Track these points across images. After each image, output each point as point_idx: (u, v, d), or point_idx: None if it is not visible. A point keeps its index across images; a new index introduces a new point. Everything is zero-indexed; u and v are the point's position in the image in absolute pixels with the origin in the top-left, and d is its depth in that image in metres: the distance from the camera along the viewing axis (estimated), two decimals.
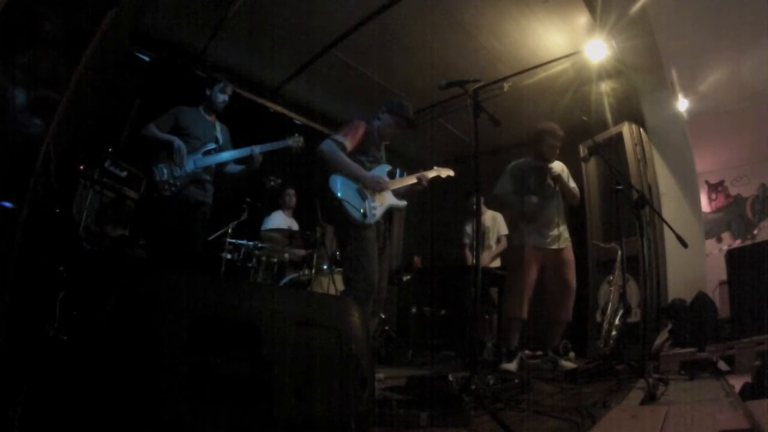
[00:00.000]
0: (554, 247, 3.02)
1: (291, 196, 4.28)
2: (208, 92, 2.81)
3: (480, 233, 2.01)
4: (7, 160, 1.46)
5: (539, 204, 3.03)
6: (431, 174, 2.76)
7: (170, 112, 2.69)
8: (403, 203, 2.60)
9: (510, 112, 3.53)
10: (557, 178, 3.04)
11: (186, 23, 3.67)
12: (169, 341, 0.94)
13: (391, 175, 2.63)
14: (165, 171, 2.52)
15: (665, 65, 3.78)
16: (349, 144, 2.43)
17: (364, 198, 2.39)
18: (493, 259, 4.13)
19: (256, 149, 2.73)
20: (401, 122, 2.60)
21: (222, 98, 2.81)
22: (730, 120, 4.60)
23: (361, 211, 2.33)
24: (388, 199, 2.51)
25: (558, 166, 3.18)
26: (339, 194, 2.33)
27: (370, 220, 2.35)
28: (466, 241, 4.43)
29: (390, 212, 2.56)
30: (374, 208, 2.41)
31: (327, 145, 2.39)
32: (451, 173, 2.87)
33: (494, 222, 4.23)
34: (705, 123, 4.50)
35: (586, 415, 1.49)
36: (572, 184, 3.18)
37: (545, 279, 3.07)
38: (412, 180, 2.64)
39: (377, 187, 2.45)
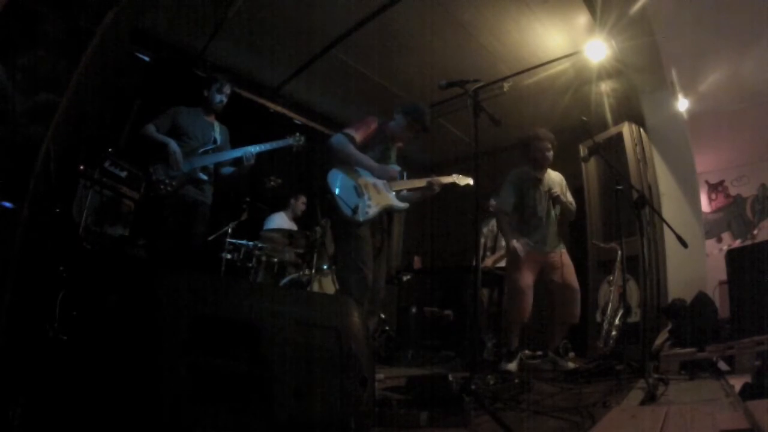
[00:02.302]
0: (550, 251, 3.04)
1: (300, 204, 4.26)
2: (205, 93, 2.80)
3: (481, 233, 2.01)
4: (7, 160, 1.46)
5: (536, 211, 3.07)
6: (447, 180, 2.70)
7: (168, 112, 2.69)
8: (404, 205, 2.55)
9: (510, 112, 3.54)
10: (557, 199, 3.08)
11: (186, 23, 3.66)
12: (169, 341, 0.94)
13: (402, 177, 2.60)
14: (161, 170, 2.52)
15: (665, 65, 3.78)
16: (358, 137, 2.42)
17: (360, 195, 2.37)
18: (500, 259, 4.13)
19: (256, 149, 2.72)
20: (415, 126, 2.57)
21: (219, 98, 2.81)
22: (730, 120, 4.59)
23: (352, 207, 2.30)
24: (387, 200, 2.47)
25: (556, 179, 3.19)
26: (333, 189, 2.32)
27: (360, 218, 2.31)
28: (484, 241, 4.43)
29: (390, 212, 2.55)
30: (368, 206, 2.37)
31: (336, 139, 2.41)
32: (470, 182, 2.76)
33: None
34: (705, 123, 4.49)
35: (586, 415, 1.49)
36: (570, 198, 3.20)
37: (548, 283, 3.08)
38: (421, 183, 2.60)
39: (386, 176, 2.43)
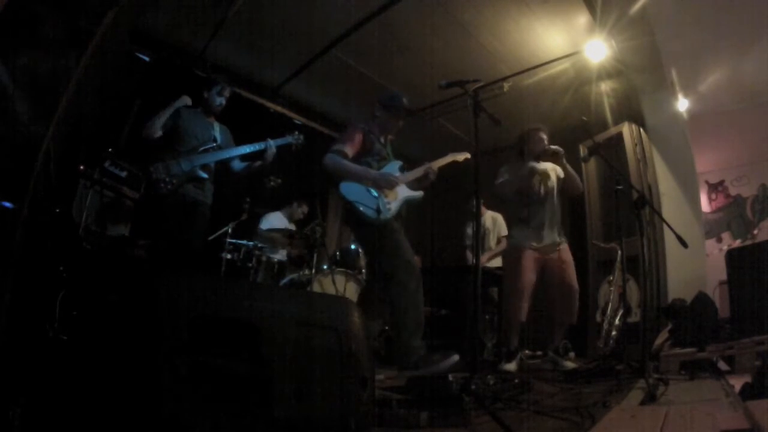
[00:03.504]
0: (551, 248, 3.01)
1: (300, 212, 4.26)
2: (205, 94, 2.80)
3: (479, 234, 2.01)
4: (7, 160, 1.46)
5: (534, 206, 3.03)
6: (445, 160, 2.75)
7: (170, 107, 2.67)
8: (418, 193, 2.61)
9: (510, 112, 3.53)
10: (558, 154, 2.96)
11: (186, 23, 3.67)
12: (170, 341, 0.94)
13: (403, 170, 2.63)
14: (161, 169, 2.52)
15: (665, 65, 3.77)
16: (349, 150, 2.45)
17: (375, 196, 2.41)
18: (492, 258, 4.12)
19: (256, 147, 2.72)
20: (398, 113, 2.59)
21: (219, 101, 2.80)
22: (730, 120, 4.59)
23: (374, 207, 2.35)
24: (401, 193, 2.52)
25: (549, 166, 3.15)
26: (349, 197, 2.36)
27: (385, 215, 2.37)
28: (467, 242, 4.43)
29: (409, 203, 2.58)
30: (388, 203, 2.43)
31: (329, 158, 2.43)
32: (468, 156, 2.83)
33: (494, 223, 4.23)
34: (705, 123, 4.49)
35: (586, 415, 1.49)
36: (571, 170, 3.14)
37: (546, 281, 3.07)
38: (420, 172, 2.62)
39: (388, 186, 2.46)
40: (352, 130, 2.53)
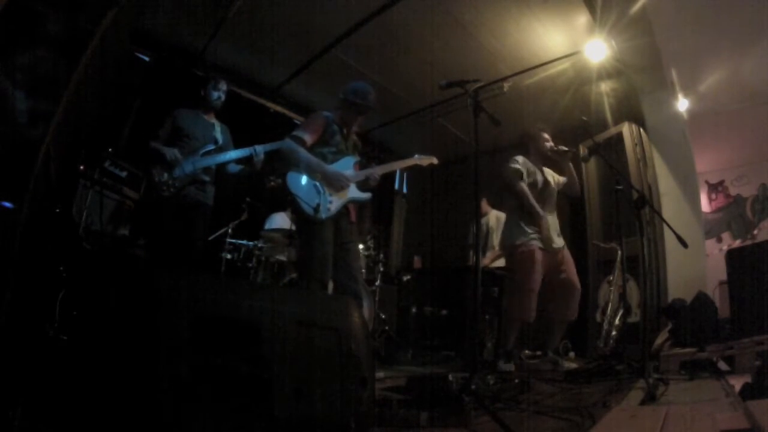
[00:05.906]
0: (555, 247, 3.03)
1: None
2: (202, 92, 2.80)
3: (480, 233, 2.01)
4: (7, 160, 1.46)
5: (543, 196, 3.07)
6: (409, 163, 2.70)
7: (169, 117, 2.69)
8: (366, 195, 2.52)
9: (510, 112, 3.53)
10: (567, 153, 3.04)
11: (186, 23, 3.67)
12: (170, 341, 0.94)
13: (362, 166, 2.58)
14: (164, 171, 2.51)
15: (665, 65, 3.78)
16: (308, 138, 2.40)
17: (319, 192, 2.36)
18: (496, 259, 4.11)
19: (259, 149, 2.72)
20: (359, 107, 2.50)
21: (216, 95, 2.80)
22: (730, 120, 4.59)
23: (313, 206, 2.31)
24: (350, 193, 2.45)
25: (549, 171, 3.20)
26: (292, 189, 2.32)
27: (322, 215, 2.31)
28: (471, 241, 4.42)
29: (352, 207, 2.51)
30: (330, 202, 2.37)
31: (286, 144, 2.39)
32: (434, 161, 2.77)
33: (498, 223, 4.21)
34: (705, 123, 4.49)
35: (586, 415, 1.49)
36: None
37: (551, 280, 3.06)
38: (362, 176, 2.53)
39: (337, 185, 2.40)
40: (314, 117, 2.49)
